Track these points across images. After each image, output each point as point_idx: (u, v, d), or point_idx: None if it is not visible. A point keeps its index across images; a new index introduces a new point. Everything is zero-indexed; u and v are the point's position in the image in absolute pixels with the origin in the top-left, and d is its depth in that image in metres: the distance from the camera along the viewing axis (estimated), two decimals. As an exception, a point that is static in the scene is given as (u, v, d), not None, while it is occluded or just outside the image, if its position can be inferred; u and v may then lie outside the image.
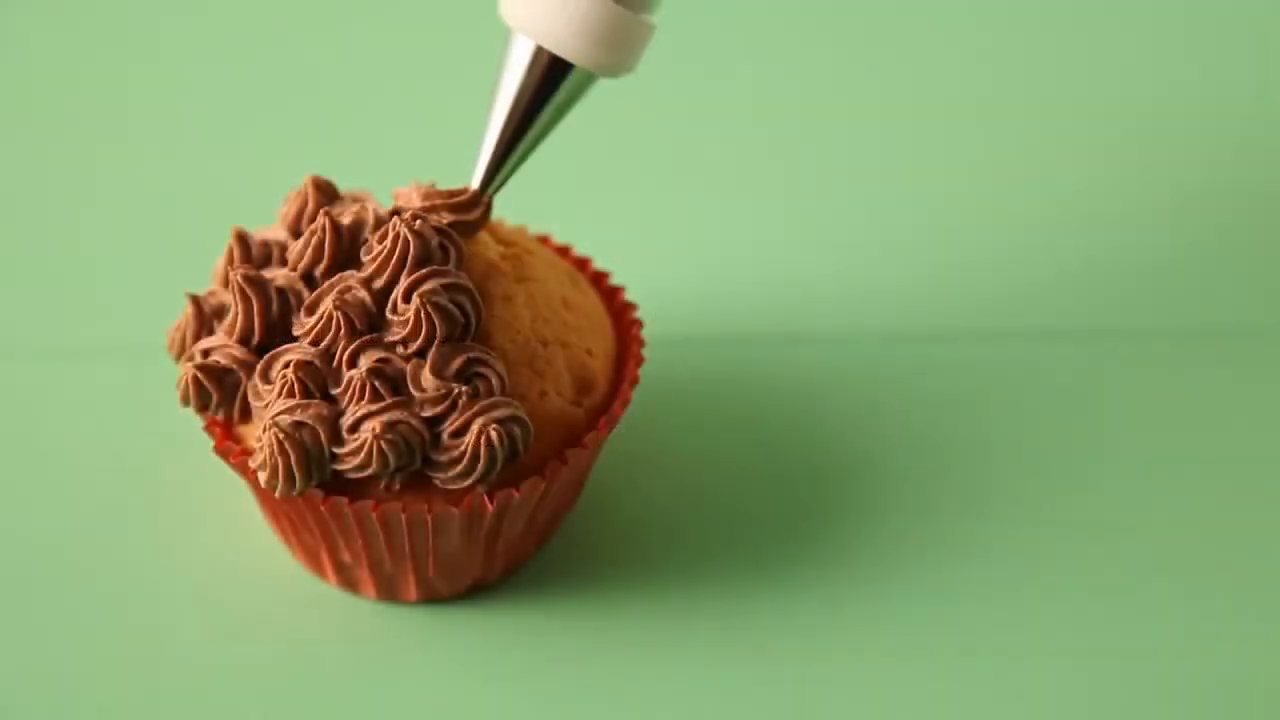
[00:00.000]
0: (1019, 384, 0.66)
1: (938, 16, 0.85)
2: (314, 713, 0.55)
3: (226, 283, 0.55)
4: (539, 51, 0.50)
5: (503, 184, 0.55)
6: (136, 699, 0.56)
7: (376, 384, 0.52)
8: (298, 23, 0.86)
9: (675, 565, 0.60)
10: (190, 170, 0.77)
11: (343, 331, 0.53)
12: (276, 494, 0.52)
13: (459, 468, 0.53)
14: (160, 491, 0.62)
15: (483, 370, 0.53)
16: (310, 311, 0.54)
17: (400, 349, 0.53)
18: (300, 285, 0.54)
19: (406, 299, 0.53)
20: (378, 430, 0.51)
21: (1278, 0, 0.86)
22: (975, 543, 0.60)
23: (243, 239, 0.56)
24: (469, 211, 0.54)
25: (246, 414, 0.54)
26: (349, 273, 0.54)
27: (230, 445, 0.54)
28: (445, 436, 0.52)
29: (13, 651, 0.57)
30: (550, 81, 0.51)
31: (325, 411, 0.52)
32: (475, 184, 0.54)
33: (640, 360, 0.58)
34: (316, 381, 0.53)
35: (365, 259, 0.54)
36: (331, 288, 0.53)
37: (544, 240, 0.62)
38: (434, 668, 0.57)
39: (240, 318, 0.54)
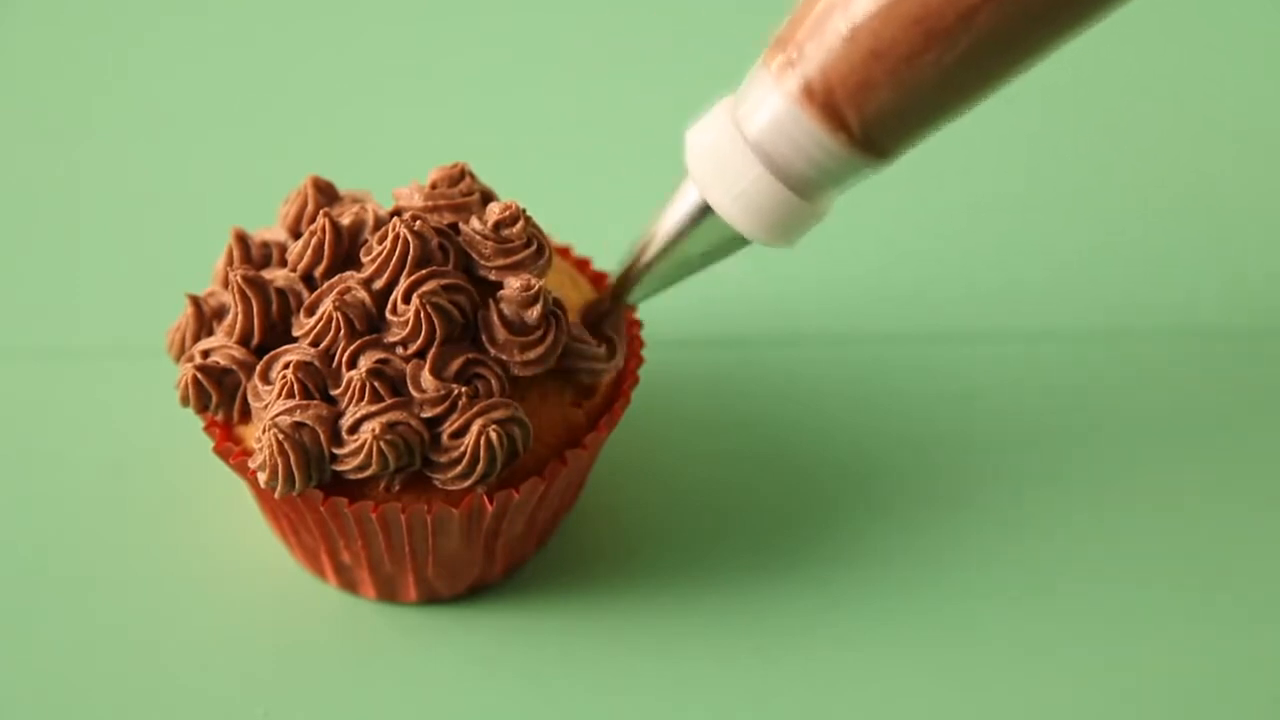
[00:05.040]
0: (1018, 384, 0.66)
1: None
2: (314, 713, 0.55)
3: (226, 283, 0.55)
4: (705, 204, 0.52)
5: (634, 300, 0.57)
6: (137, 699, 0.56)
7: (376, 385, 0.52)
8: (298, 23, 0.86)
9: (674, 565, 0.60)
10: (190, 170, 0.77)
11: (342, 332, 0.53)
12: (276, 494, 0.52)
13: (459, 468, 0.53)
14: (160, 491, 0.62)
15: (482, 371, 0.53)
16: (310, 312, 0.54)
17: (400, 350, 0.53)
18: (300, 286, 0.54)
19: (406, 300, 0.53)
20: (377, 431, 0.51)
21: (1277, 1, 0.86)
22: (974, 542, 0.60)
23: (242, 240, 0.56)
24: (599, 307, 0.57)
25: (246, 414, 0.54)
26: (349, 273, 0.54)
27: (230, 445, 0.54)
28: (445, 437, 0.52)
29: (14, 651, 0.57)
30: (708, 232, 0.53)
31: (325, 412, 0.52)
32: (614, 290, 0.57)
33: (640, 360, 0.58)
34: (316, 382, 0.53)
35: (365, 260, 0.54)
36: (331, 288, 0.53)
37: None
38: (434, 668, 0.57)
39: (240, 318, 0.54)
